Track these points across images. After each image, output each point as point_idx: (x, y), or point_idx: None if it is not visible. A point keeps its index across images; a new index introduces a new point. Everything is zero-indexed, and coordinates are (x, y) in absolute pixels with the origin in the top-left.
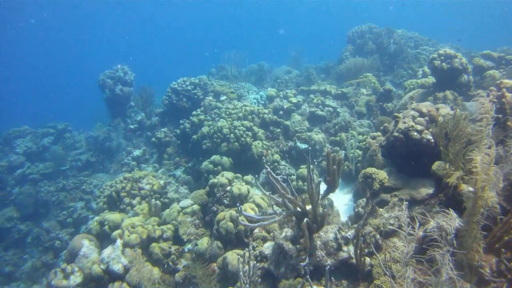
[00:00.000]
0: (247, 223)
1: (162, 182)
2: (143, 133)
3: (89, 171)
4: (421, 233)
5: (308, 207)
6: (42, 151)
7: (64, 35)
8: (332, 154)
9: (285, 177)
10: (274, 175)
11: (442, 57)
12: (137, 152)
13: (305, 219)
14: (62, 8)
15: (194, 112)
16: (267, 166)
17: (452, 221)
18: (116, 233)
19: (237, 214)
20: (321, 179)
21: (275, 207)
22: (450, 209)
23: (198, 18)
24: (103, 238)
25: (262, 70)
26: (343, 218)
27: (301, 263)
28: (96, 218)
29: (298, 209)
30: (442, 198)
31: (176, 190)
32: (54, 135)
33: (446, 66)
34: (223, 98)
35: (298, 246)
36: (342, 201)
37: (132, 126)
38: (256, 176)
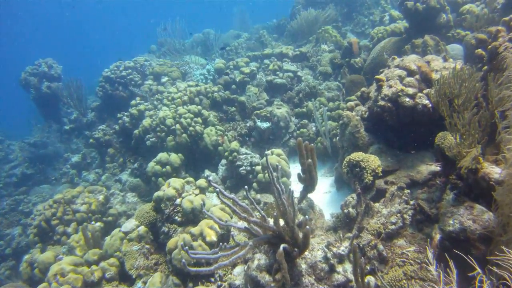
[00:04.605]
0: (201, 268)
1: (101, 197)
2: (81, 133)
3: (27, 185)
4: (438, 237)
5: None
6: None
7: None
8: (304, 143)
9: (248, 168)
10: (226, 194)
11: None
12: (75, 158)
13: (282, 246)
14: None
15: (133, 102)
16: (216, 185)
17: (480, 218)
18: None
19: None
20: (289, 189)
21: (237, 237)
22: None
23: None
24: (37, 284)
25: (208, 39)
26: (327, 213)
27: None
28: (26, 257)
29: (270, 232)
30: (455, 181)
31: (122, 201)
32: None
33: (422, 6)
34: (164, 79)
35: (276, 277)
36: (321, 188)
37: (67, 127)
38: (211, 175)
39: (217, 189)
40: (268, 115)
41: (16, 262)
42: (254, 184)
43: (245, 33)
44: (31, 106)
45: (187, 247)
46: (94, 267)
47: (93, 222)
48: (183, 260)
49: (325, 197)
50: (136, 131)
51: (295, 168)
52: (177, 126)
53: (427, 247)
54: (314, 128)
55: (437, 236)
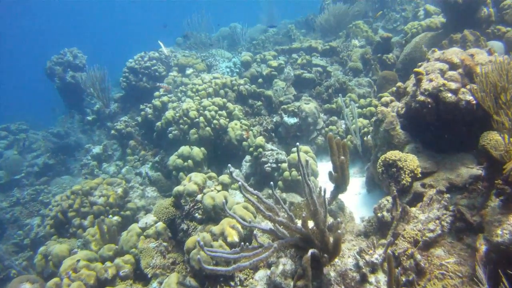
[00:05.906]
0: (218, 268)
1: (120, 190)
2: (103, 124)
3: (48, 176)
4: (483, 248)
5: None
6: None
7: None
8: (336, 139)
9: (274, 165)
10: (250, 189)
11: None
12: (96, 149)
13: (310, 251)
14: None
15: (156, 93)
16: (239, 179)
17: None
18: (51, 283)
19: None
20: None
21: (261, 239)
22: None
23: None
24: (51, 277)
25: (235, 33)
26: (357, 216)
27: None
28: (41, 249)
29: (298, 235)
30: (501, 186)
31: (142, 195)
32: (7, 138)
33: None
34: (189, 71)
35: (298, 283)
36: (351, 189)
37: (90, 118)
38: (233, 171)
39: (240, 183)
40: (296, 110)
41: (33, 253)
42: (280, 183)
43: (273, 28)
44: (55, 95)
45: (202, 243)
46: (108, 263)
47: (110, 216)
48: (199, 257)
49: (354, 199)
50: (158, 123)
51: (322, 168)
52: (201, 118)
53: (476, 261)
54: (343, 126)
55: (482, 248)
